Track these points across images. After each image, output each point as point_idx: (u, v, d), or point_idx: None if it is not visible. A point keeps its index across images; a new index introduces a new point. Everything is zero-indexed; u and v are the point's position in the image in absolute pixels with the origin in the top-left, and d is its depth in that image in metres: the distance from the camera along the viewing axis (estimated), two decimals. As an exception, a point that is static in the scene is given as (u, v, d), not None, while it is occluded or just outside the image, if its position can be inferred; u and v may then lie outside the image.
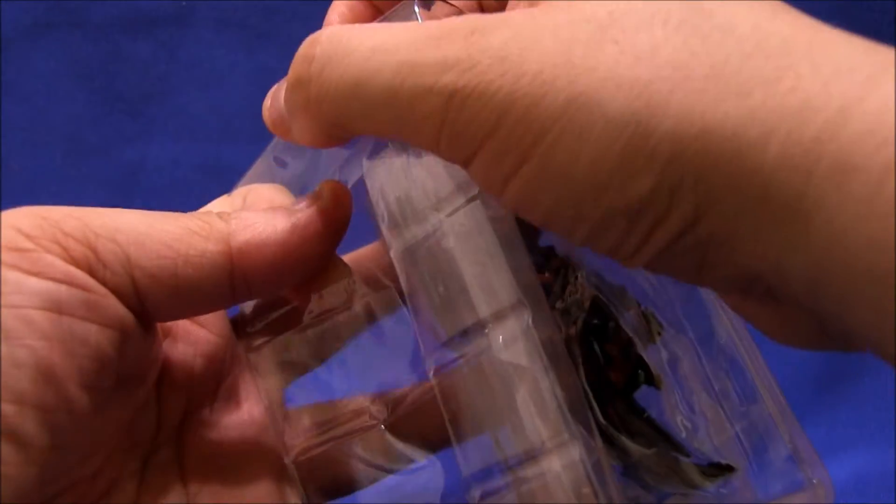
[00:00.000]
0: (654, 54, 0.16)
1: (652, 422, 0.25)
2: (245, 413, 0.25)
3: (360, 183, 0.23)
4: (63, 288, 0.19)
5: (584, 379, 0.24)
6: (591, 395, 0.23)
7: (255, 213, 0.22)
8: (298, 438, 0.25)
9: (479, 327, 0.20)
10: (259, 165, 0.27)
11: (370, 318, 0.25)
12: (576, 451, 0.19)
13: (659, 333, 0.27)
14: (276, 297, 0.25)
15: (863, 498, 0.60)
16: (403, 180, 0.22)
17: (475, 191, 0.20)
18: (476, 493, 0.21)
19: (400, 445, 0.25)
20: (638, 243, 0.17)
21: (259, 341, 0.25)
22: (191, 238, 0.21)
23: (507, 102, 0.16)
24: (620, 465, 0.24)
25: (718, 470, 0.24)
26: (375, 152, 0.22)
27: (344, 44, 0.19)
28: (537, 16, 0.17)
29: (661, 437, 0.25)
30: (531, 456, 0.19)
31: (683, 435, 0.25)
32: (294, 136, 0.21)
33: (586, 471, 0.19)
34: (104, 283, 0.20)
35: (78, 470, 0.21)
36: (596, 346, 0.25)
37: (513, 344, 0.20)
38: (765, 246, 0.15)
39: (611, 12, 0.16)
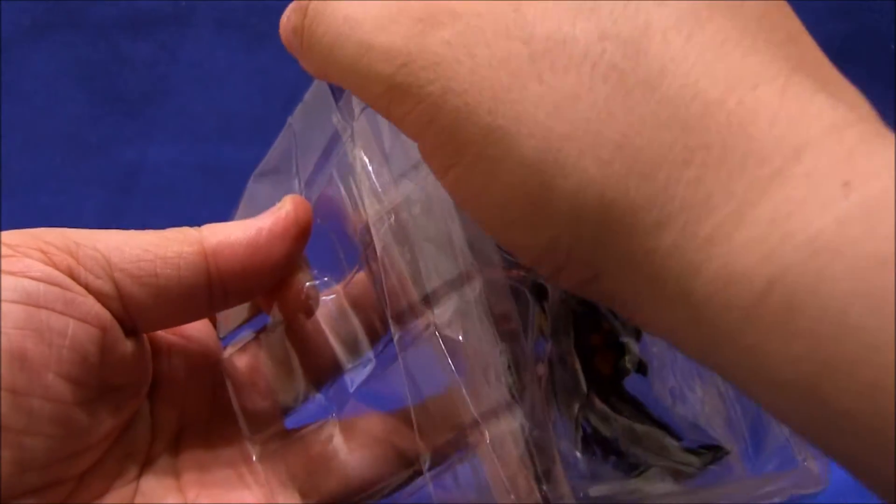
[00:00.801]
0: (573, 105, 0.15)
1: (641, 407, 0.25)
2: (236, 434, 0.25)
3: (322, 200, 0.24)
4: (41, 286, 0.20)
5: (579, 367, 0.24)
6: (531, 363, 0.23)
7: (224, 223, 0.23)
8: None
9: (427, 301, 0.21)
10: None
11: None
12: (514, 422, 0.20)
13: None
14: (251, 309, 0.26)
15: (863, 498, 0.60)
16: (385, 142, 0.22)
17: None
18: (426, 459, 0.22)
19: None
20: (548, 278, 0.17)
21: (230, 351, 0.26)
22: (167, 243, 0.22)
23: (432, 111, 0.17)
24: (611, 454, 0.24)
25: (708, 451, 0.25)
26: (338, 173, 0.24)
27: (328, 6, 0.20)
28: (484, 15, 0.17)
29: (651, 422, 0.25)
30: (471, 425, 0.20)
31: (677, 419, 0.25)
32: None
33: (525, 439, 0.20)
34: (85, 287, 0.21)
35: (64, 466, 0.22)
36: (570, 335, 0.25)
37: (453, 318, 0.20)
38: (659, 319, 0.15)
39: (547, 39, 0.16)
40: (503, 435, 0.20)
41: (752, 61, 0.14)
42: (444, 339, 0.20)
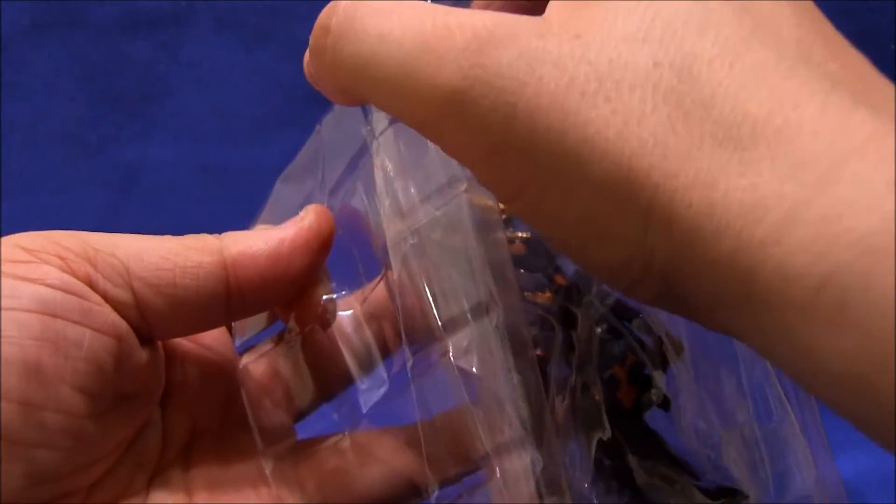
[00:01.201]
0: (640, 123, 0.16)
1: (661, 443, 0.25)
2: (248, 444, 0.25)
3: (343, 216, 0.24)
4: (58, 294, 0.20)
5: (601, 399, 0.24)
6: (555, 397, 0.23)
7: (245, 232, 0.23)
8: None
9: (444, 327, 0.20)
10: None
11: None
12: (526, 457, 0.19)
13: (678, 355, 0.27)
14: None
15: (863, 498, 0.60)
16: (409, 164, 0.22)
17: (464, 184, 0.21)
18: (434, 488, 0.21)
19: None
20: (625, 292, 0.18)
21: (246, 360, 0.26)
22: (187, 251, 0.22)
23: (496, 139, 0.17)
24: (626, 489, 0.24)
25: (727, 494, 0.24)
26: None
27: (356, 22, 0.18)
28: (545, 36, 0.17)
29: (670, 460, 0.25)
30: (483, 458, 0.20)
31: (698, 458, 0.25)
32: (324, 94, 0.22)
33: (535, 476, 0.19)
34: (103, 296, 0.21)
35: (75, 478, 0.21)
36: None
37: (469, 348, 0.20)
38: (727, 321, 0.16)
39: (610, 61, 0.16)
40: (515, 470, 0.20)
41: (791, 84, 0.15)
42: (459, 369, 0.20)
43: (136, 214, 0.52)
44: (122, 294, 0.21)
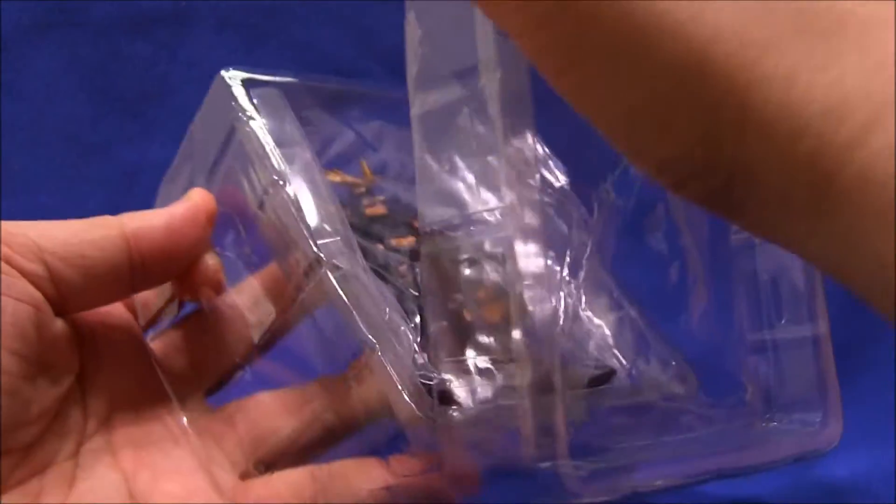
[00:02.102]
0: (719, 10, 0.15)
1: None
2: (166, 413, 0.28)
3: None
4: None
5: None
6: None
7: (140, 211, 0.26)
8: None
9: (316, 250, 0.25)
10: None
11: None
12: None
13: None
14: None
15: (863, 498, 0.60)
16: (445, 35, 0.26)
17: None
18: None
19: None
20: (672, 187, 0.17)
21: (154, 335, 0.30)
22: (90, 227, 0.25)
23: (557, 8, 0.16)
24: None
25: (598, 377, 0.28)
26: None
27: None
28: None
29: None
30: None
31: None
32: None
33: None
34: (19, 270, 0.23)
35: (12, 436, 0.23)
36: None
37: (340, 258, 0.25)
38: (784, 228, 0.16)
39: None
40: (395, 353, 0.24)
41: None
42: (337, 275, 0.24)
43: (136, 214, 0.52)
44: (36, 268, 0.23)
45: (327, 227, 0.25)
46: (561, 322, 0.29)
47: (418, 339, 0.26)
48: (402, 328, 0.25)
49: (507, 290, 0.27)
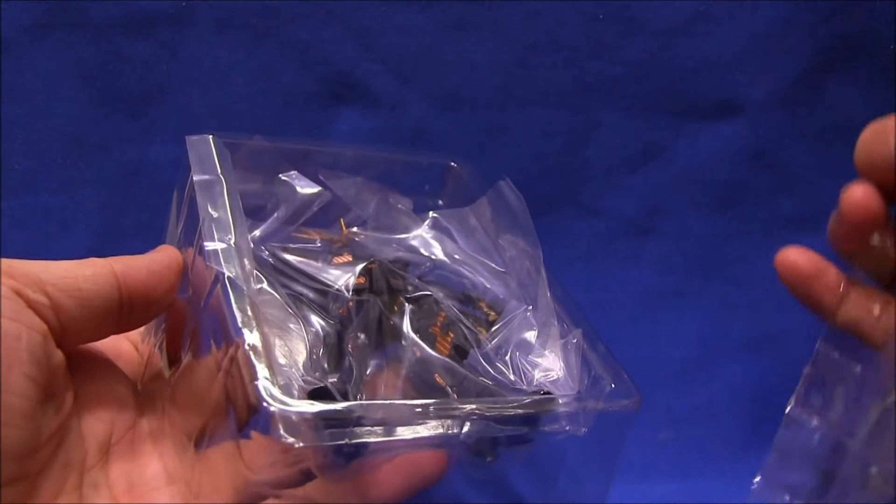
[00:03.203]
0: None
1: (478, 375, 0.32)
2: (157, 451, 0.29)
3: None
4: None
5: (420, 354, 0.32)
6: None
7: (122, 256, 0.29)
8: None
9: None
10: None
11: None
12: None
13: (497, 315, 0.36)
14: None
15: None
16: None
17: None
18: None
19: None
20: None
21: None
22: (81, 266, 0.27)
23: None
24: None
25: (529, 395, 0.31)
26: None
27: None
28: None
29: (485, 387, 0.31)
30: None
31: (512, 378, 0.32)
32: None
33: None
34: (26, 301, 0.25)
35: (26, 461, 0.25)
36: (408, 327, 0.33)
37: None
38: None
39: None
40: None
41: None
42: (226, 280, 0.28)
43: (136, 214, 0.52)
44: (40, 297, 0.26)
45: (223, 244, 0.29)
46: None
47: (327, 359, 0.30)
48: (299, 336, 0.29)
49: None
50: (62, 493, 0.26)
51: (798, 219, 0.58)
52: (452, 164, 0.43)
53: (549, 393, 0.31)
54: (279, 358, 0.27)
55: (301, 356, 0.30)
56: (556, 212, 0.56)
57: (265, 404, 0.24)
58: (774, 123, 0.55)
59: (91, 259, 0.28)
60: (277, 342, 0.29)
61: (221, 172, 0.32)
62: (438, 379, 0.31)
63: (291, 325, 0.30)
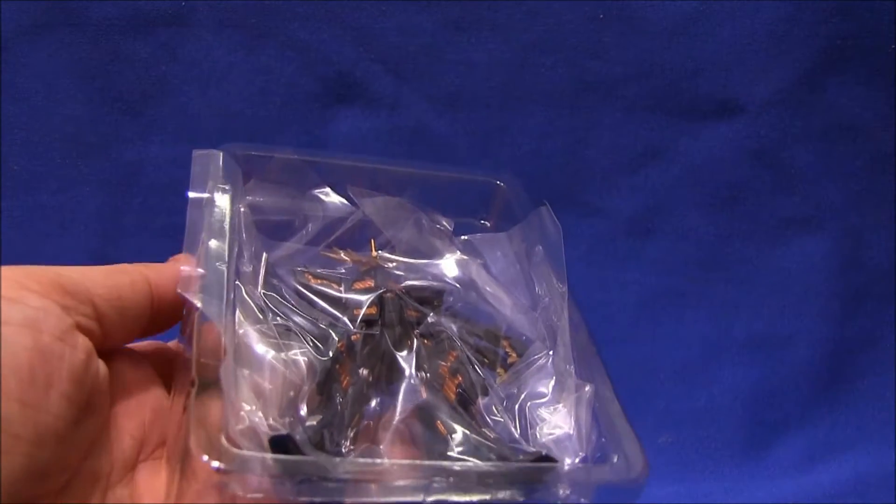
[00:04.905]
0: None
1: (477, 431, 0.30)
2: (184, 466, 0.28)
3: None
4: (41, 313, 0.24)
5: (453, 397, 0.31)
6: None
7: (151, 263, 0.29)
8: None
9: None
10: None
11: None
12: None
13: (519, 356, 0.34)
14: None
15: (863, 498, 0.60)
16: None
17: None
18: None
19: None
20: None
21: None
22: (118, 273, 0.28)
23: None
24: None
25: (528, 456, 0.28)
26: None
27: None
28: None
29: (483, 442, 0.29)
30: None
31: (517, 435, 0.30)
32: None
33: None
34: (74, 313, 0.25)
35: (53, 480, 0.24)
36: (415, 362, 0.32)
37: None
38: None
39: None
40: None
41: None
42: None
43: (136, 214, 0.52)
44: (87, 309, 0.26)
45: (202, 270, 0.28)
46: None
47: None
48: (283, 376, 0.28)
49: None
50: None
51: (799, 219, 0.58)
52: (499, 182, 0.41)
53: (549, 457, 0.28)
54: (244, 402, 0.26)
55: (276, 397, 0.28)
56: (556, 212, 0.56)
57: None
58: (775, 123, 0.54)
59: (123, 266, 0.28)
60: (249, 382, 0.27)
61: (224, 192, 0.31)
62: (440, 426, 0.29)
63: (275, 362, 0.28)
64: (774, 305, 0.60)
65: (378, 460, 0.26)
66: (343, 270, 0.36)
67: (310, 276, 0.34)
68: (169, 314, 0.29)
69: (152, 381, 0.30)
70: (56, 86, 0.49)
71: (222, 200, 0.31)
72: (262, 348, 0.28)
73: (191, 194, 0.31)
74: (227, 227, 0.30)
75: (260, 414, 0.26)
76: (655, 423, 0.60)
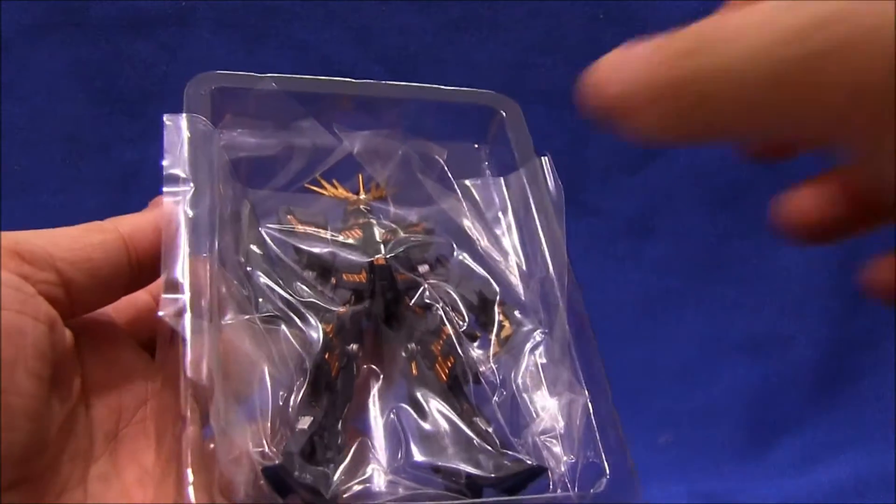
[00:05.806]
0: None
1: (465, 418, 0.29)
2: (171, 430, 0.27)
3: None
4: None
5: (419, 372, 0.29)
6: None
7: (126, 215, 0.27)
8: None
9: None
10: None
11: None
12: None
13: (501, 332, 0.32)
14: None
15: (863, 498, 0.60)
16: None
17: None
18: None
19: None
20: None
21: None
22: (89, 233, 0.26)
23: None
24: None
25: (520, 466, 0.27)
26: None
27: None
28: None
29: (469, 433, 0.28)
30: None
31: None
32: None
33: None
34: (34, 281, 0.24)
35: (31, 463, 0.23)
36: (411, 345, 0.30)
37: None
38: None
39: None
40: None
41: None
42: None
43: (136, 214, 0.52)
44: (49, 276, 0.24)
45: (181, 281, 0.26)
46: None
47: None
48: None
49: None
50: (65, 491, 0.24)
51: (798, 219, 0.58)
52: (501, 112, 0.38)
53: (539, 468, 0.27)
54: (235, 433, 0.25)
55: (266, 408, 0.26)
56: (557, 212, 0.56)
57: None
58: (775, 124, 0.54)
59: (96, 224, 0.26)
60: (237, 400, 0.25)
61: (199, 169, 0.30)
62: (432, 417, 0.28)
63: (264, 366, 0.27)
64: (774, 305, 0.60)
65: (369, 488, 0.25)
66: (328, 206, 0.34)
67: (294, 220, 0.32)
68: (151, 269, 0.27)
69: (125, 342, 0.28)
70: (56, 86, 0.49)
71: (207, 178, 0.30)
72: (249, 348, 0.27)
73: (165, 172, 0.30)
74: (207, 217, 0.28)
75: (250, 444, 0.25)
76: (655, 423, 0.60)
